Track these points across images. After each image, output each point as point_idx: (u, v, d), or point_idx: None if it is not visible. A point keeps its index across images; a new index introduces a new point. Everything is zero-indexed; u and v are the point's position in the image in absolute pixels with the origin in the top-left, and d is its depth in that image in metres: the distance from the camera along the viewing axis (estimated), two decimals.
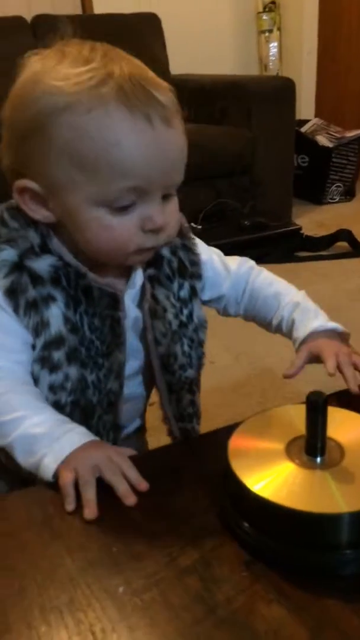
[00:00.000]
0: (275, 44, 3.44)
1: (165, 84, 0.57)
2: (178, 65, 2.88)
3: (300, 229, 2.39)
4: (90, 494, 0.53)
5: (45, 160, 0.55)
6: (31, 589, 0.45)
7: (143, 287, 0.66)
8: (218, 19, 3.23)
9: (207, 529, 0.50)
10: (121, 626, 0.42)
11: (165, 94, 0.55)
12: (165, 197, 0.58)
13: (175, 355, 0.69)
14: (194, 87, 2.76)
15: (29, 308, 0.59)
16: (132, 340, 0.66)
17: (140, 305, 0.66)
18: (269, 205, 2.54)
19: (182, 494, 0.55)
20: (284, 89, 2.58)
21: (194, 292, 0.70)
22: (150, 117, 0.52)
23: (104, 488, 0.54)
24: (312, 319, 0.71)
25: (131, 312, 0.65)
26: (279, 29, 3.42)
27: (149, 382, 0.72)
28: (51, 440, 0.55)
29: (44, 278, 0.59)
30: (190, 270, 0.69)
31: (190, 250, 0.70)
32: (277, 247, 2.30)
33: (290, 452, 0.51)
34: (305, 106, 3.41)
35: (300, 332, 0.70)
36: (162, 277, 0.67)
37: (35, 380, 0.61)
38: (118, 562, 0.47)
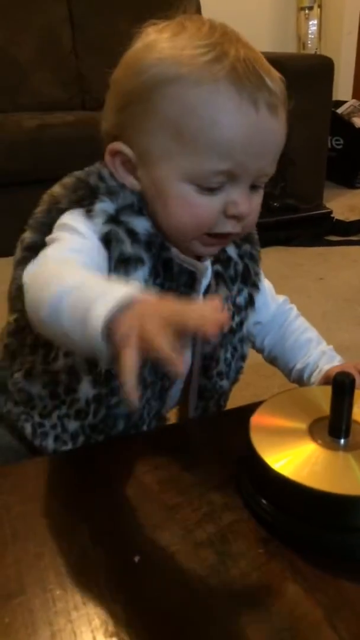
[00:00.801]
0: (315, 21, 3.35)
1: (277, 74, 0.56)
2: None
3: (330, 212, 2.34)
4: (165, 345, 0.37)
5: (145, 128, 0.55)
6: (48, 553, 0.45)
7: (209, 281, 0.65)
8: None
9: (225, 504, 0.50)
10: (135, 594, 0.42)
11: (276, 82, 0.54)
12: (253, 187, 0.57)
13: (217, 359, 0.67)
14: None
15: (120, 263, 0.56)
16: None
17: (205, 295, 0.64)
18: (300, 188, 2.49)
19: (200, 469, 0.54)
20: (322, 68, 2.51)
21: (250, 301, 0.69)
22: (257, 102, 0.52)
23: (121, 461, 0.54)
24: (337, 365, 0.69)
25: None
26: (319, 6, 3.32)
27: (186, 384, 0.69)
28: (104, 286, 0.44)
29: (140, 238, 0.57)
30: (253, 278, 0.69)
31: (256, 260, 0.69)
32: (307, 230, 2.26)
33: (313, 432, 0.51)
34: (343, 87, 3.32)
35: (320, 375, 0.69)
36: (227, 277, 0.66)
37: None
38: (134, 533, 0.47)
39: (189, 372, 0.66)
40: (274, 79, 0.54)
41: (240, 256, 0.67)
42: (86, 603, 0.41)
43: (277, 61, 2.42)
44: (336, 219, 2.35)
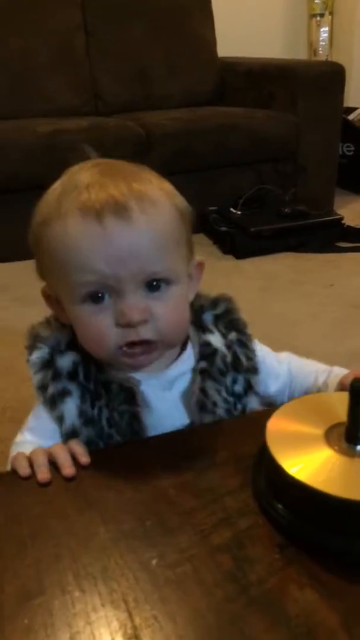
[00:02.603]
0: (326, 28, 3.36)
1: (149, 176, 0.59)
2: (226, 47, 2.84)
3: (341, 218, 2.34)
4: (40, 460, 0.56)
5: (43, 267, 0.60)
6: (66, 554, 0.46)
7: (192, 379, 0.65)
8: (269, 1, 3.17)
9: (241, 509, 0.50)
10: (154, 597, 0.42)
11: (135, 187, 0.55)
12: (154, 287, 0.57)
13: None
14: (241, 70, 2.72)
15: (51, 402, 0.62)
16: (174, 421, 0.65)
17: (185, 396, 0.65)
18: (311, 193, 2.50)
19: (216, 473, 0.55)
20: (333, 74, 2.52)
21: (249, 386, 0.68)
22: (100, 213, 0.54)
23: (136, 465, 0.54)
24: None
25: (163, 407, 0.64)
26: (330, 13, 3.33)
27: None
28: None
29: (62, 374, 0.63)
30: (246, 364, 0.68)
31: (246, 345, 0.69)
32: (317, 236, 2.26)
33: (329, 438, 0.51)
34: (355, 93, 3.32)
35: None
36: (214, 371, 0.66)
37: None
38: (151, 536, 0.48)
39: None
40: (138, 182, 0.56)
41: (228, 346, 0.67)
42: (105, 605, 0.42)
43: (288, 68, 2.45)
44: (347, 225, 2.34)
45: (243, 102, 2.65)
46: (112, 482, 0.54)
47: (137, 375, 0.63)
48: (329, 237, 2.29)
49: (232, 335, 0.68)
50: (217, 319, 0.69)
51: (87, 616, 0.41)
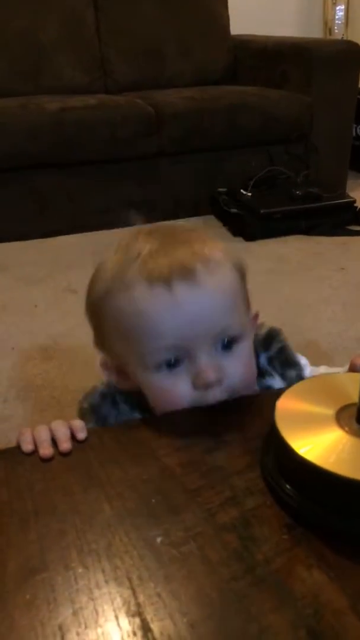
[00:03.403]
0: (342, 7, 3.29)
1: (203, 238, 0.60)
2: (240, 25, 2.79)
3: (354, 202, 2.30)
4: (43, 435, 0.55)
5: (105, 338, 0.61)
6: (70, 531, 0.45)
7: None
8: None
9: (248, 488, 0.49)
10: (158, 575, 0.41)
11: (197, 250, 0.57)
12: (228, 346, 0.58)
13: None
14: (255, 48, 2.67)
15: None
16: None
17: None
18: (323, 176, 2.46)
19: (223, 452, 0.54)
20: (349, 54, 2.46)
21: None
22: (168, 280, 0.55)
23: (143, 443, 0.53)
24: None
25: None
26: None
27: None
28: None
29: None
30: None
31: (303, 379, 0.68)
32: (329, 219, 2.23)
33: (340, 419, 0.50)
34: None
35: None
36: None
37: None
38: (156, 514, 0.47)
39: None
40: (199, 245, 0.58)
41: (289, 385, 0.67)
42: (108, 582, 0.41)
43: (302, 46, 2.41)
44: (359, 209, 2.31)
45: (256, 82, 2.60)
46: (118, 459, 0.53)
47: None
48: (340, 220, 2.26)
49: (291, 374, 0.68)
50: (271, 360, 0.68)
51: (90, 592, 0.40)
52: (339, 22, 3.30)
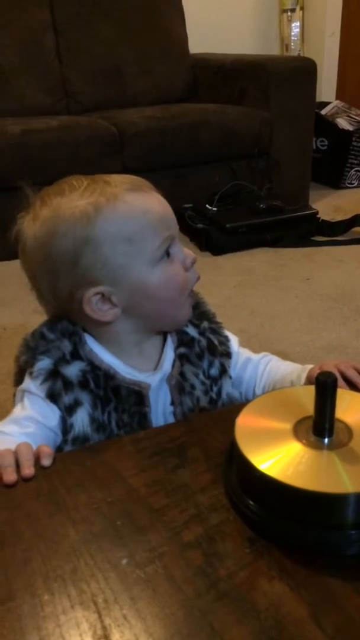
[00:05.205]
0: (298, 23, 3.37)
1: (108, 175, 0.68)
2: (198, 44, 2.84)
3: (316, 213, 2.35)
4: (7, 461, 0.56)
5: (102, 259, 0.62)
6: (35, 558, 0.46)
7: (173, 365, 0.69)
8: None
9: (212, 505, 0.50)
10: (123, 597, 0.42)
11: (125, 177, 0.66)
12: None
13: None
14: (214, 66, 2.72)
15: (66, 411, 0.65)
16: (158, 417, 0.70)
17: (167, 381, 0.69)
18: (286, 189, 2.51)
19: (187, 471, 0.55)
20: (305, 69, 2.53)
21: (223, 370, 0.73)
22: (142, 187, 0.65)
23: (107, 465, 0.54)
24: None
25: (160, 396, 0.69)
26: (302, 8, 3.35)
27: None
28: None
29: (73, 382, 0.65)
30: (220, 348, 0.74)
31: (217, 332, 0.75)
32: (293, 230, 2.27)
33: (297, 432, 0.51)
34: (326, 88, 3.34)
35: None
36: (192, 355, 0.71)
37: None
38: (122, 536, 0.48)
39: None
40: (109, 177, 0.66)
41: (201, 333, 0.73)
42: (74, 607, 0.41)
43: (259, 63, 2.44)
44: (322, 220, 2.36)
45: (216, 99, 2.65)
46: (84, 483, 0.54)
47: (140, 376, 0.67)
48: (304, 231, 2.30)
49: (204, 324, 0.74)
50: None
51: (57, 619, 0.41)
52: (295, 38, 3.38)
